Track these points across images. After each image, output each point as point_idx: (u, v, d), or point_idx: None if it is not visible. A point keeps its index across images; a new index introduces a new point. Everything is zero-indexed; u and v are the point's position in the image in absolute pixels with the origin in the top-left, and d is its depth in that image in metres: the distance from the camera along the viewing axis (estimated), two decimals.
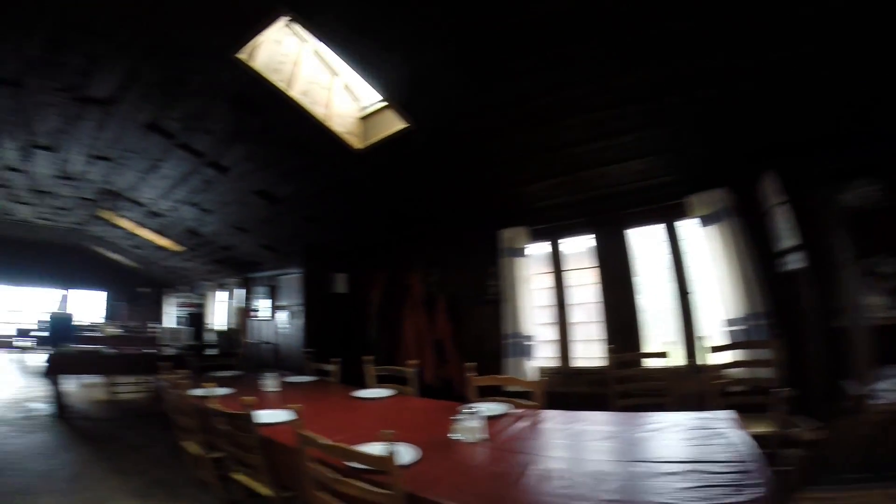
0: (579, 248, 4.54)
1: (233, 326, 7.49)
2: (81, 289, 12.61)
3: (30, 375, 7.35)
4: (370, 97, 3.96)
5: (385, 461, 1.32)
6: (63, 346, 5.53)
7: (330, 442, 1.50)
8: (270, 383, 3.44)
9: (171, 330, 6.18)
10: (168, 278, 12.04)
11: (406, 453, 1.66)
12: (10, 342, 10.16)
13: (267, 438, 1.98)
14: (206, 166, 4.87)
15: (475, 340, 4.78)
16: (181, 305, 11.19)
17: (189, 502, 2.87)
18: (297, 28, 3.27)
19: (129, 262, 11.37)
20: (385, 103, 3.75)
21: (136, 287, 12.76)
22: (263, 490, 2.03)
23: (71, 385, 5.79)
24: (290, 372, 4.20)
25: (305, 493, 1.58)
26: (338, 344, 5.69)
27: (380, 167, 4.29)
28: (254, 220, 6.04)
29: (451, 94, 3.25)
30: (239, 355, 6.93)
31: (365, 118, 4.09)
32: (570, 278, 4.52)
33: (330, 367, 3.84)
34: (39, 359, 7.19)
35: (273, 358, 7.67)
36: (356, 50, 3.02)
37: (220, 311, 10.16)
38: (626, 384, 3.13)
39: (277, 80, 3.45)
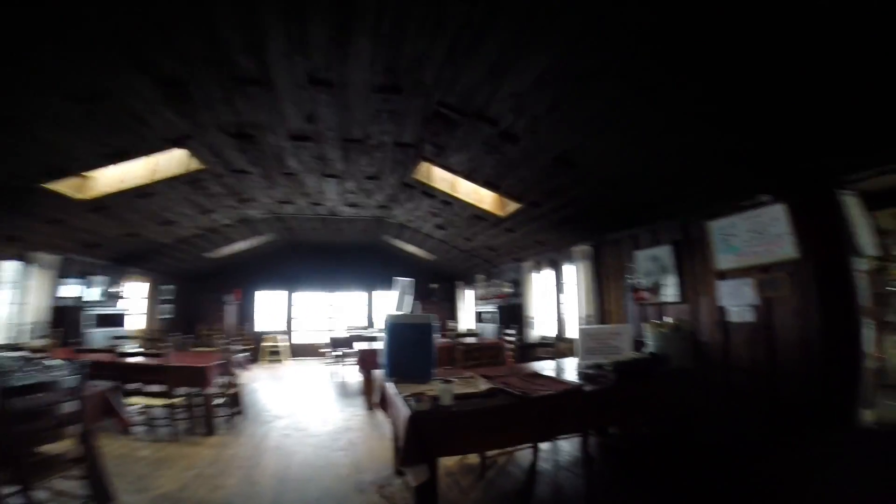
0: None
1: (681, 321, 4.01)
2: (380, 290, 11.94)
3: (351, 400, 5.73)
4: None
5: None
6: (417, 378, 2.98)
7: None
8: None
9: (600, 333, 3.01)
10: (463, 268, 10.06)
11: None
12: (324, 352, 9.52)
13: None
14: None
15: None
16: (484, 298, 8.90)
17: None
18: None
19: (425, 253, 9.74)
20: None
21: (427, 283, 11.38)
22: None
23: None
24: None
25: None
26: None
27: None
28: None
29: None
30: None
31: None
32: None
33: None
34: (355, 373, 5.70)
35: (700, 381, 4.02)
36: None
37: (543, 300, 7.29)
38: None
39: None
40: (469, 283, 10.50)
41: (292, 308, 11.89)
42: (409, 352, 3.19)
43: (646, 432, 3.00)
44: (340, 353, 8.64)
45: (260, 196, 6.32)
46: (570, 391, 2.40)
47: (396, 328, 3.30)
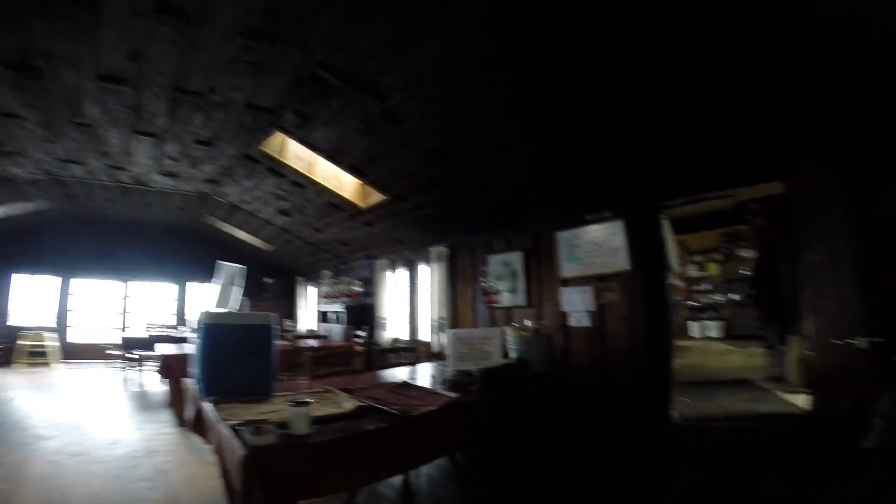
0: None
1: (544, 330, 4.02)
2: (198, 282, 10.15)
3: (154, 414, 4.58)
4: None
5: None
6: (250, 397, 2.41)
7: None
8: None
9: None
10: (307, 262, 9.20)
11: None
12: (113, 354, 7.63)
13: None
14: None
15: None
16: (331, 297, 8.29)
17: None
18: None
19: (261, 242, 8.59)
20: None
21: (260, 277, 10.12)
22: None
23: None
24: None
25: None
26: None
27: None
28: None
29: None
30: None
31: None
32: None
33: None
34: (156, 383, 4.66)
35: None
36: None
37: (396, 301, 7.10)
38: None
39: None
40: (313, 279, 9.67)
41: (68, 299, 9.26)
42: (239, 362, 2.54)
43: (511, 438, 3.01)
44: (137, 356, 6.99)
45: (32, 150, 4.66)
46: (452, 405, 2.18)
47: (216, 330, 2.60)
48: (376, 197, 5.05)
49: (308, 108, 3.29)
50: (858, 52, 2.05)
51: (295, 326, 9.02)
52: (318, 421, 1.90)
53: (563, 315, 4.38)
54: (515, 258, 4.95)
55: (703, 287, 9.02)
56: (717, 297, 8.67)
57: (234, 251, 9.47)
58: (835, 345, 2.49)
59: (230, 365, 2.56)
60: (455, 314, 5.61)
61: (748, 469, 2.55)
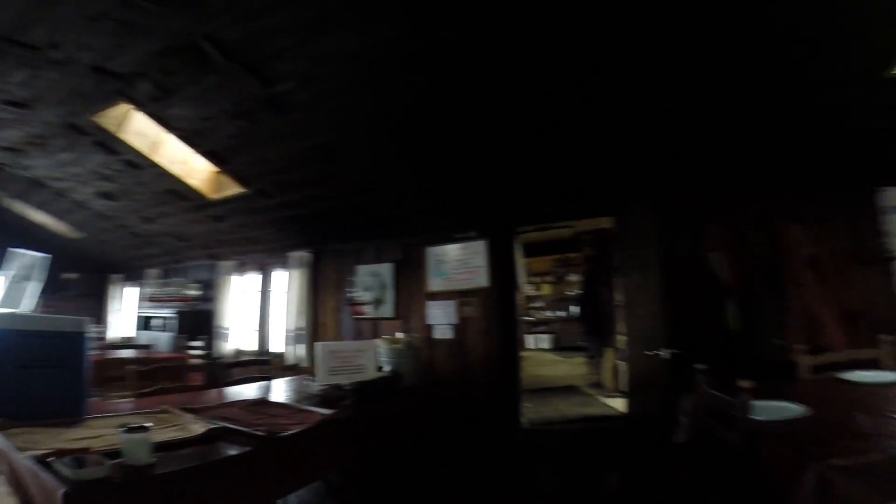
0: None
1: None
2: None
3: None
4: None
5: None
6: (54, 420, 1.98)
7: None
8: None
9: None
10: (128, 257, 7.70)
11: None
12: None
13: None
14: None
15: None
16: (158, 300, 7.08)
17: None
18: None
19: (68, 228, 6.92)
20: None
21: (59, 271, 8.12)
22: None
23: None
24: None
25: None
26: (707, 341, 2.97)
27: None
28: None
29: None
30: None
31: None
32: None
33: None
34: None
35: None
36: None
37: (243, 308, 6.43)
38: None
39: None
40: (134, 277, 8.13)
41: None
42: (36, 377, 2.00)
43: (384, 452, 2.97)
44: None
45: None
46: (327, 422, 2.06)
47: (3, 337, 2.04)
48: (232, 189, 4.55)
49: (173, 81, 2.82)
50: (675, 127, 2.65)
51: (105, 332, 7.48)
52: (161, 447, 1.61)
53: (429, 328, 4.54)
54: (385, 269, 4.96)
55: (537, 304, 10.32)
56: (549, 314, 9.99)
57: (27, 237, 7.43)
58: (644, 355, 3.10)
59: (23, 380, 2.00)
60: (316, 325, 5.33)
61: (588, 466, 3.00)
